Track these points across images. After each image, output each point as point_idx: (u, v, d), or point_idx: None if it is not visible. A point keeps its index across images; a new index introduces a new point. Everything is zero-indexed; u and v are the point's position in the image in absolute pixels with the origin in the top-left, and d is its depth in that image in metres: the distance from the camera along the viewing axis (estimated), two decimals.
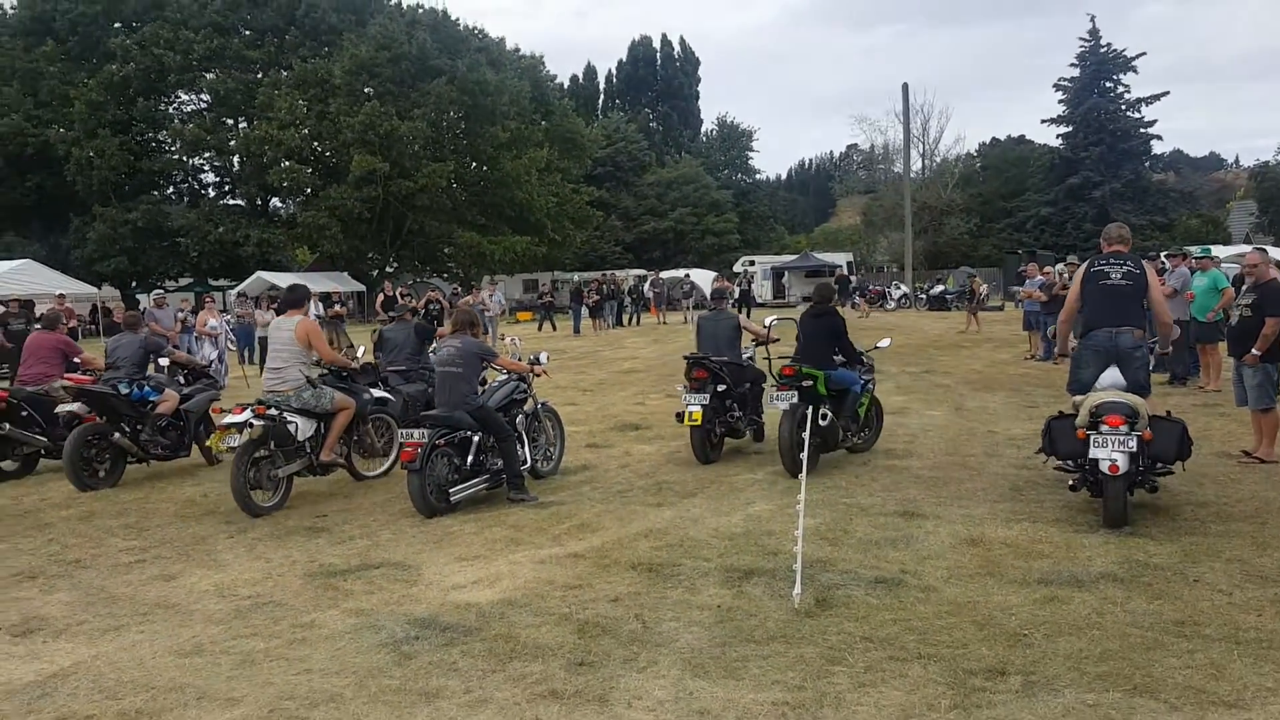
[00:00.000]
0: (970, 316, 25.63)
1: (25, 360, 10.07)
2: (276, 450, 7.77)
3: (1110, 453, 6.05)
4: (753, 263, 50.43)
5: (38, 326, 12.27)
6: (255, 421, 7.58)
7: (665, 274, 43.14)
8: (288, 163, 42.68)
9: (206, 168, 49.21)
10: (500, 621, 4.86)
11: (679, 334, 27.10)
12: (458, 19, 48.17)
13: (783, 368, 8.24)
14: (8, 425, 9.46)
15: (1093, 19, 57.30)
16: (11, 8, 45.95)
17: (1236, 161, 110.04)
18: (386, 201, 43.24)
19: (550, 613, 4.96)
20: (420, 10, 47.00)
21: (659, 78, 79.07)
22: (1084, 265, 7.17)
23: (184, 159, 47.58)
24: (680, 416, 8.81)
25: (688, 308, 34.11)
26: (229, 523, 7.36)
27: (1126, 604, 4.82)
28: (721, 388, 8.87)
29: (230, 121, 47.10)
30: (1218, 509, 6.55)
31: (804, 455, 7.06)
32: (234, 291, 37.02)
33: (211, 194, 49.85)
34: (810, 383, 8.07)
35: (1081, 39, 56.14)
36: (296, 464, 7.91)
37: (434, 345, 10.08)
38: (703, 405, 8.62)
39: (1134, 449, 6.07)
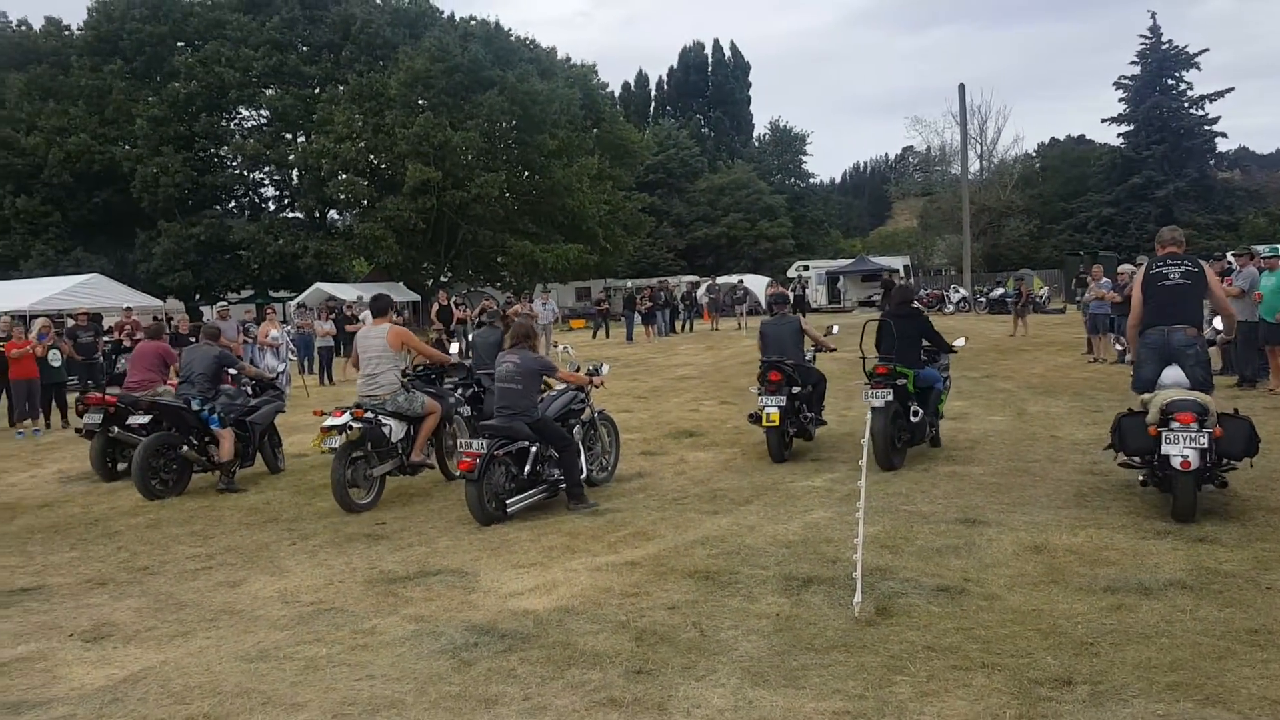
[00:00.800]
0: (1017, 320, 25.10)
1: (131, 367, 10.63)
2: (372, 451, 8.19)
3: (1182, 449, 6.16)
4: (807, 268, 50.07)
5: (139, 337, 12.83)
6: (354, 424, 8.00)
7: (719, 280, 43.04)
8: (344, 175, 43.34)
9: (266, 182, 50.20)
10: (557, 629, 4.88)
11: (732, 341, 27.02)
12: (510, 30, 48.59)
13: (876, 367, 8.50)
14: (116, 428, 9.97)
15: (1153, 16, 55.75)
16: (79, 28, 47.37)
17: None
18: (440, 211, 43.72)
19: (607, 620, 4.96)
20: (473, 22, 47.53)
21: (710, 83, 78.91)
22: (1143, 268, 7.29)
23: (244, 174, 48.60)
24: (755, 418, 9.19)
25: (741, 314, 33.94)
26: (291, 530, 7.49)
27: (1196, 612, 4.70)
28: (795, 389, 9.24)
29: (289, 136, 47.99)
30: None
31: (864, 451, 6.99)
32: (294, 303, 37.70)
33: (271, 207, 50.82)
34: (903, 381, 8.51)
35: (1142, 36, 54.87)
36: (389, 464, 8.33)
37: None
38: (779, 407, 8.97)
39: (1205, 445, 6.18)
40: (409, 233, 43.51)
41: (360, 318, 22.49)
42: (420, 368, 9.33)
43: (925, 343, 9.05)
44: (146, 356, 10.55)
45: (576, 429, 8.25)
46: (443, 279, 48.29)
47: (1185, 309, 6.85)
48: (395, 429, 8.31)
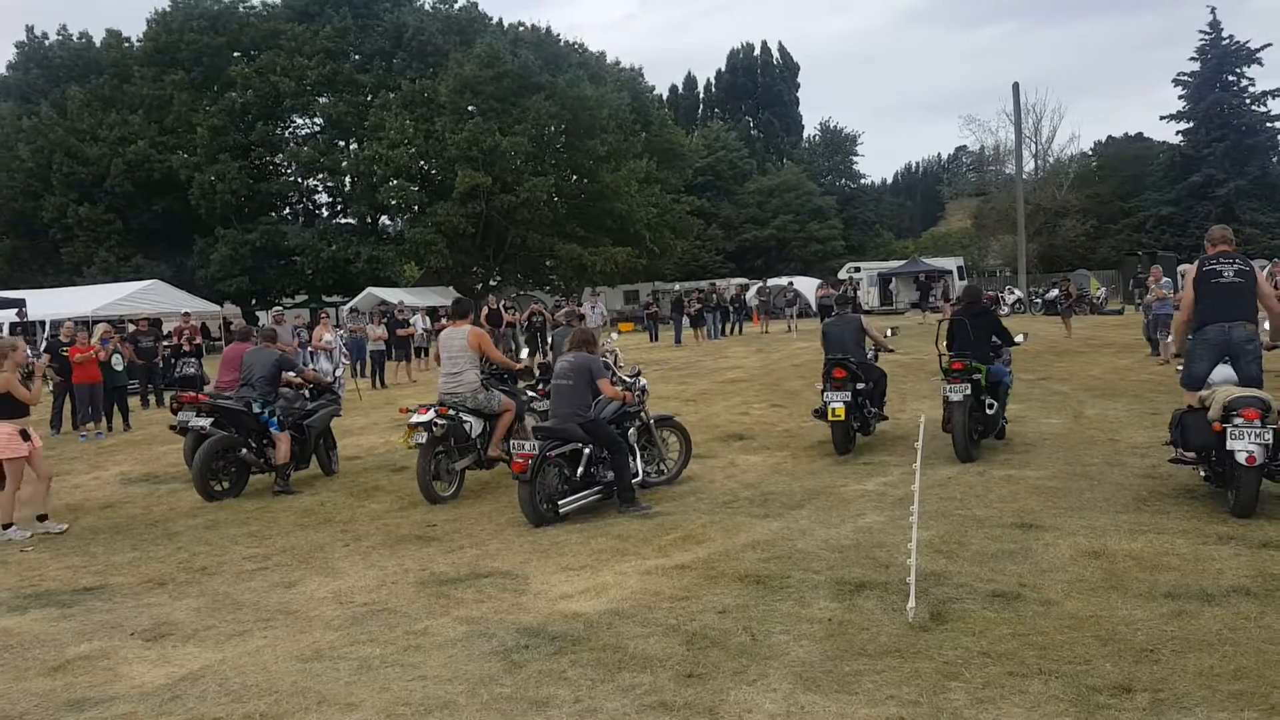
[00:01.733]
0: (1064, 321, 24.62)
1: (222, 369, 11.20)
2: (453, 446, 8.64)
3: (1247, 444, 6.24)
4: (858, 269, 49.63)
5: (199, 341, 13.41)
6: (439, 421, 8.44)
7: (769, 282, 42.85)
8: (396, 181, 43.92)
9: (320, 188, 51.03)
10: (608, 631, 4.88)
11: (782, 343, 26.86)
12: (559, 34, 48.99)
13: (953, 362, 8.95)
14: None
15: (1213, 10, 54.27)
16: (138, 40, 48.57)
17: None
18: (489, 216, 44.11)
19: (658, 624, 4.95)
20: (522, 29, 47.91)
21: (759, 85, 78.62)
22: (1195, 266, 7.42)
23: (299, 180, 49.47)
24: (820, 413, 9.56)
25: (791, 316, 33.74)
26: (344, 531, 7.60)
27: (1261, 619, 4.58)
28: (860, 385, 9.57)
29: (342, 143, 48.76)
30: None
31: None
32: (346, 307, 38.26)
33: (325, 213, 51.68)
34: (978, 376, 8.91)
35: (1202, 32, 53.61)
36: (469, 459, 8.76)
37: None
38: (845, 402, 9.31)
39: (1269, 441, 6.27)
40: (458, 237, 43.94)
41: (411, 321, 22.77)
42: (493, 367, 9.60)
43: (995, 339, 9.39)
44: (237, 358, 10.72)
45: (630, 432, 8.28)
46: (492, 282, 48.70)
47: (1243, 305, 7.02)
48: (474, 425, 8.75)
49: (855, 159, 77.42)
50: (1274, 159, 53.90)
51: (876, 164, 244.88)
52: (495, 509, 8.05)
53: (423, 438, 8.43)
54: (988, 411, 9.12)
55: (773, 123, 77.45)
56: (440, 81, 43.48)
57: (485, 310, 23.68)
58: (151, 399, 18.43)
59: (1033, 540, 6.12)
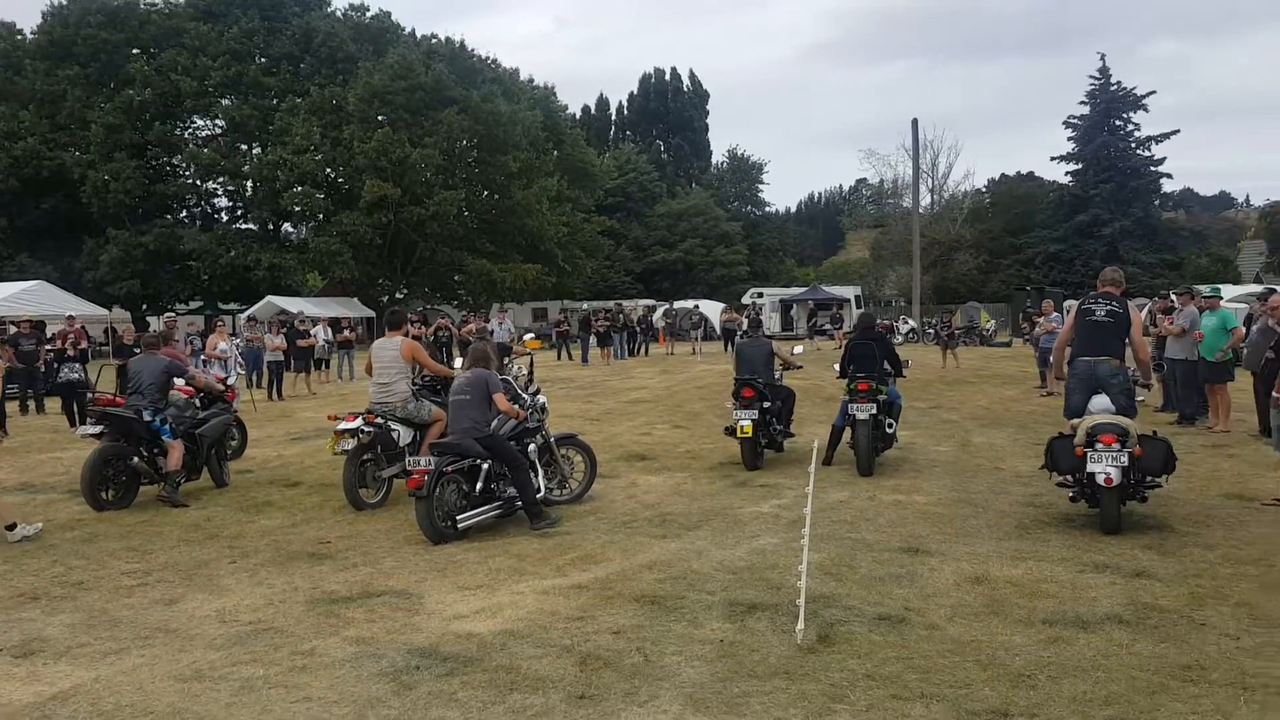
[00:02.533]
0: (945, 352, 25.39)
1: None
2: (381, 454, 8.69)
3: (1105, 467, 6.88)
4: (761, 295, 50.52)
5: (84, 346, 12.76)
6: (366, 429, 8.51)
7: (676, 304, 43.26)
8: (301, 188, 43.01)
9: (220, 192, 49.60)
10: (502, 652, 4.85)
11: (687, 365, 27.12)
12: (473, 50, 48.75)
13: (859, 383, 9.58)
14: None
15: (1103, 57, 57.31)
16: (32, 32, 46.57)
17: (1247, 201, 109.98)
18: (398, 228, 43.53)
19: (552, 644, 4.94)
20: (435, 41, 47.56)
21: (670, 110, 79.63)
22: (1077, 303, 8.16)
23: (198, 183, 47.99)
24: (730, 430, 10.07)
25: (696, 339, 34.09)
26: (232, 547, 7.37)
27: (1132, 646, 4.78)
28: (767, 405, 10.14)
29: (245, 147, 47.54)
30: (1225, 551, 6.50)
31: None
32: (244, 315, 37.20)
33: (224, 218, 50.24)
34: (882, 397, 9.64)
35: (1091, 77, 56.30)
36: (396, 467, 8.72)
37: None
38: (753, 420, 9.86)
39: (1126, 464, 6.88)
40: (365, 248, 43.23)
41: (312, 332, 22.25)
42: (426, 378, 9.75)
43: (887, 365, 10.08)
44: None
45: (531, 448, 8.24)
46: (398, 295, 47.98)
47: (1107, 343, 7.59)
48: (403, 434, 8.81)
49: (761, 187, 79.07)
50: (1156, 202, 56.79)
51: (781, 193, 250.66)
52: (393, 526, 7.91)
53: (349, 445, 8.49)
54: (887, 430, 9.83)
55: (683, 147, 78.48)
56: (350, 89, 42.83)
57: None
58: (31, 405, 17.58)
59: (919, 565, 6.30)
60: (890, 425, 9.89)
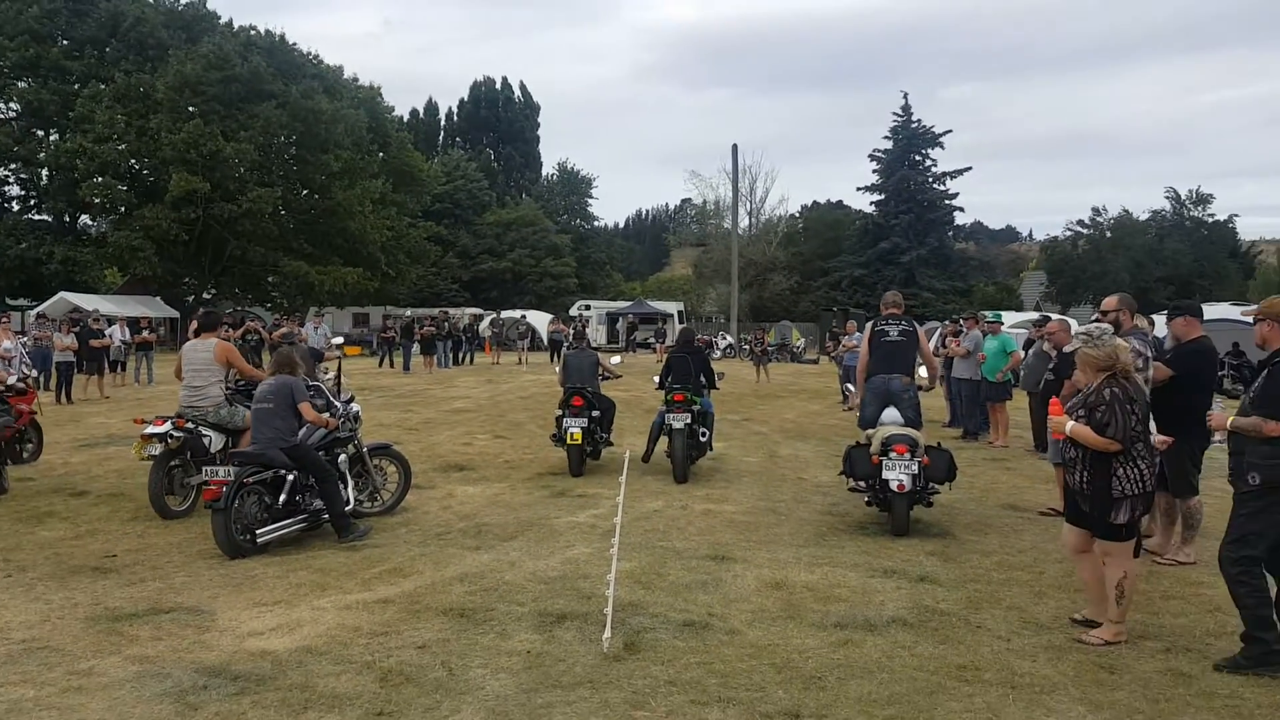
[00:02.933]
0: (758, 367, 26.55)
1: None
2: (190, 460, 8.39)
3: (898, 474, 7.50)
4: (588, 307, 50.88)
5: None
6: (175, 433, 8.24)
7: (503, 314, 42.94)
8: (101, 178, 40.13)
9: (11, 180, 45.63)
10: (298, 670, 4.68)
11: (513, 375, 26.97)
12: (295, 44, 46.86)
13: (675, 394, 10.07)
14: None
15: (905, 96, 60.93)
16: None
17: (1030, 235, 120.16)
18: (207, 224, 41.25)
19: (352, 661, 4.81)
20: (254, 32, 45.46)
21: (500, 119, 79.09)
22: (870, 325, 8.88)
23: None
24: (558, 438, 10.50)
25: (523, 349, 33.94)
26: (7, 560, 6.81)
27: (914, 648, 5.08)
28: (595, 413, 10.58)
29: (41, 133, 44.04)
30: (1000, 558, 7.02)
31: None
32: (33, 312, 34.37)
33: (15, 208, 46.25)
34: (697, 407, 10.13)
35: (895, 114, 59.99)
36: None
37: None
38: (582, 427, 10.27)
39: (915, 471, 7.52)
40: (170, 244, 40.75)
41: (107, 332, 20.79)
42: (240, 383, 9.30)
43: (703, 378, 10.67)
44: None
45: (341, 459, 7.99)
46: (205, 296, 45.45)
47: (901, 361, 8.39)
48: (215, 440, 8.55)
49: (590, 201, 79.47)
50: (950, 233, 60.99)
51: (610, 208, 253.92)
52: (187, 539, 7.49)
53: (156, 449, 8.21)
54: (701, 439, 10.29)
55: (514, 157, 78.06)
56: (159, 78, 40.31)
57: (194, 325, 22.00)
58: None
59: (724, 571, 6.51)
60: (704, 434, 10.35)
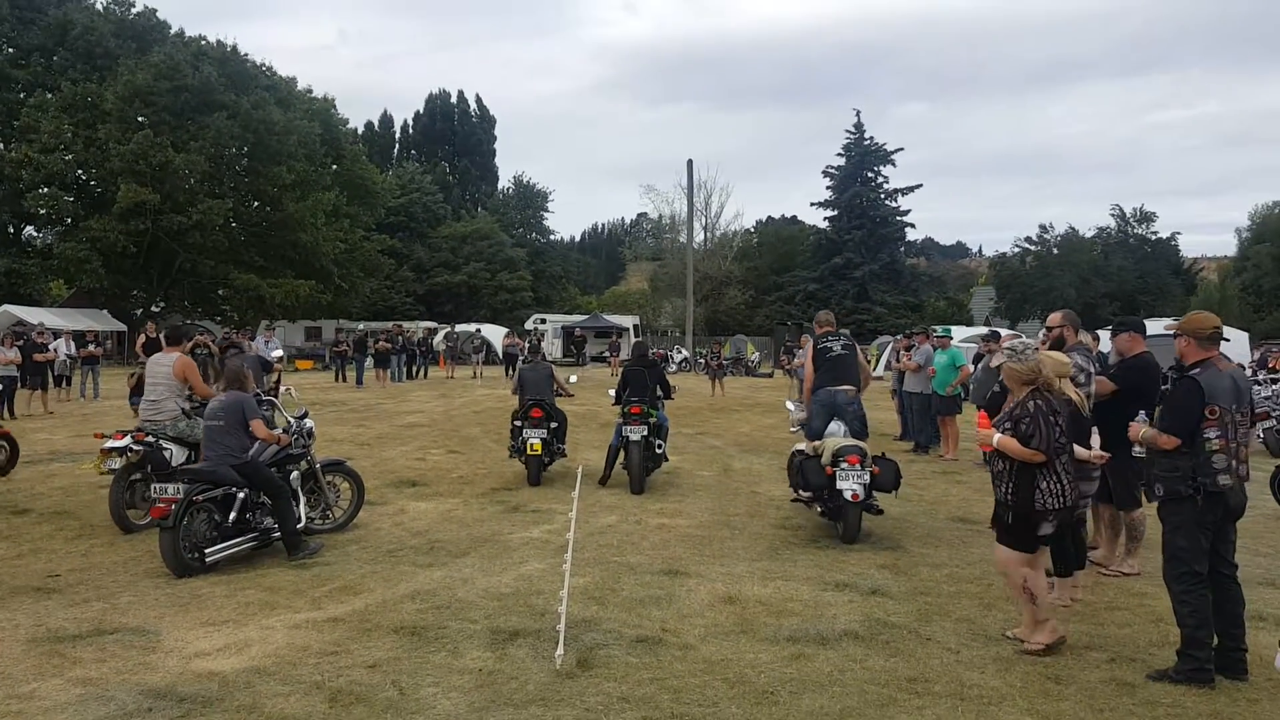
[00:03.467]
0: (714, 381, 26.73)
1: None
2: (151, 474, 8.24)
3: (851, 484, 7.77)
4: (544, 320, 50.77)
5: None
6: (135, 447, 8.26)
7: (458, 328, 42.68)
8: (47, 189, 39.30)
9: None
10: (245, 691, 4.61)
11: (467, 389, 26.82)
12: (246, 54, 46.28)
13: (631, 407, 10.34)
14: None
15: (858, 114, 62.02)
16: None
17: (980, 251, 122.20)
18: (156, 236, 40.52)
19: (301, 681, 4.75)
20: (205, 42, 44.85)
21: (456, 132, 78.77)
22: (812, 342, 9.24)
23: None
24: (516, 449, 10.83)
25: (478, 363, 33.77)
26: None
27: (866, 661, 5.13)
28: (554, 424, 10.92)
29: None
30: (950, 570, 7.11)
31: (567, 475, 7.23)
32: None
33: None
34: (653, 419, 10.43)
35: (848, 131, 60.67)
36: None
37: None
38: (541, 438, 10.60)
39: (866, 481, 7.82)
40: (118, 256, 39.96)
41: (52, 345, 20.34)
42: (198, 400, 9.21)
43: (659, 390, 10.98)
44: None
45: (294, 475, 7.90)
46: (154, 309, 44.63)
47: (846, 374, 8.80)
48: (176, 453, 8.53)
49: (546, 214, 79.36)
50: (901, 248, 61.75)
51: (566, 221, 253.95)
52: (133, 558, 7.35)
53: (116, 464, 8.23)
54: (657, 451, 10.59)
55: (469, 170, 77.77)
56: (108, 87, 39.61)
57: (142, 339, 21.58)
58: None
59: (678, 586, 6.53)
60: (660, 446, 10.64)
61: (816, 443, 8.38)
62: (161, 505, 6.79)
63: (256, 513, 7.33)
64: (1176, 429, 4.98)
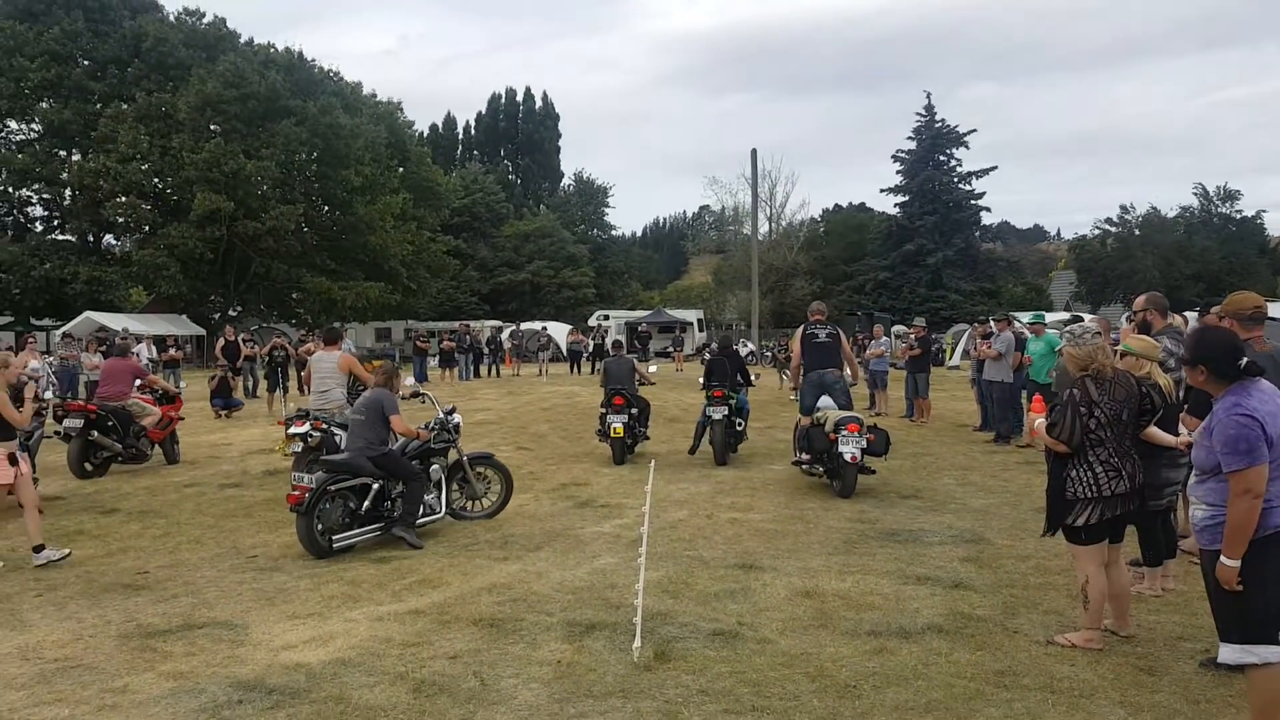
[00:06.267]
0: (781, 375, 26.33)
1: (103, 381, 12.37)
2: (326, 455, 9.07)
3: (851, 448, 9.20)
4: (607, 317, 50.90)
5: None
6: (313, 432, 9.67)
7: (523, 326, 43.05)
8: (125, 198, 40.60)
9: (35, 200, 46.23)
10: (332, 682, 4.69)
11: (534, 387, 26.99)
12: (313, 61, 47.26)
13: (714, 390, 11.62)
14: (95, 433, 11.54)
15: (928, 95, 60.79)
16: None
17: (1058, 234, 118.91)
18: (231, 242, 41.65)
19: (385, 672, 4.82)
20: (273, 50, 45.90)
21: (519, 130, 79.41)
22: (800, 329, 10.81)
23: (9, 190, 44.63)
24: (603, 433, 12.03)
25: (544, 360, 34.01)
26: (39, 580, 6.86)
27: (950, 655, 5.02)
28: (634, 410, 12.21)
29: (64, 153, 44.60)
30: (1037, 562, 6.93)
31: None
32: (59, 332, 34.81)
33: (39, 228, 46.85)
34: (733, 401, 11.80)
35: (918, 114, 59.41)
36: None
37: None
38: (623, 423, 11.84)
39: (864, 445, 9.28)
40: (195, 263, 41.16)
41: (135, 351, 20.97)
42: (362, 388, 10.44)
43: (740, 378, 12.17)
44: (119, 371, 12.32)
45: (434, 468, 8.35)
46: (231, 313, 45.86)
47: (830, 358, 10.36)
48: (343, 437, 9.27)
49: (607, 210, 79.58)
50: (976, 233, 60.33)
51: (627, 217, 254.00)
52: (219, 554, 7.55)
53: (299, 446, 9.60)
54: (737, 429, 12.00)
55: (532, 169, 78.40)
56: (180, 97, 40.75)
57: (221, 342, 22.18)
58: None
59: (753, 580, 6.47)
60: (740, 424, 12.05)
61: (816, 414, 9.86)
62: (296, 493, 7.29)
63: (393, 502, 7.83)
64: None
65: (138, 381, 12.42)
